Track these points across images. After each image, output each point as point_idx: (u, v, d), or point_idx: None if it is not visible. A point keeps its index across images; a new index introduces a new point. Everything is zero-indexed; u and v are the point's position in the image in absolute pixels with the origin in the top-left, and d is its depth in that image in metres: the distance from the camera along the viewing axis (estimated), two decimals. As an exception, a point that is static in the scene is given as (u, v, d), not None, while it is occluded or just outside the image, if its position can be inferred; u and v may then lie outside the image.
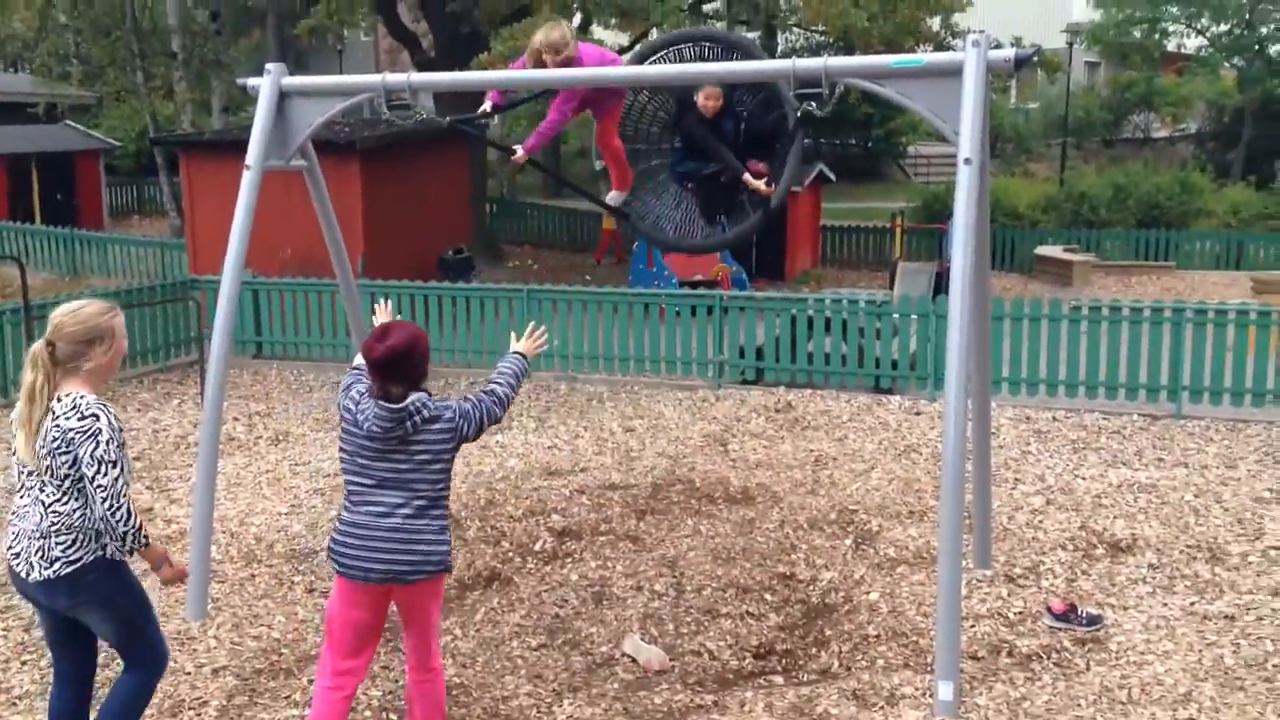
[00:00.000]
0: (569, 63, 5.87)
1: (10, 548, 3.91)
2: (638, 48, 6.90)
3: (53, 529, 3.80)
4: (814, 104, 5.36)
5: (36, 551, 3.82)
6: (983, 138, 5.16)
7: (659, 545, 7.01)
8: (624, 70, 6.16)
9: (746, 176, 6.19)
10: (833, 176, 24.22)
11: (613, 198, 6.71)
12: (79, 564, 3.81)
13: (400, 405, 4.16)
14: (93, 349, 3.87)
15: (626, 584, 6.42)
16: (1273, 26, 36.30)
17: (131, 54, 25.08)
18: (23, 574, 3.87)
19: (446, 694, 5.02)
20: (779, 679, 5.38)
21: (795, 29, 28.69)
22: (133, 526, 3.77)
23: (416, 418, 4.18)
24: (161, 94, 26.79)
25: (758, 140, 6.40)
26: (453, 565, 4.45)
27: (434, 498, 4.22)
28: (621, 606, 6.13)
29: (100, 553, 3.84)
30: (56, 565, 3.80)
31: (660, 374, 12.06)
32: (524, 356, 4.89)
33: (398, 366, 4.16)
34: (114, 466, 3.74)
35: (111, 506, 3.73)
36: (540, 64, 5.94)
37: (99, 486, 3.72)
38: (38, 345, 3.89)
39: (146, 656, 4.04)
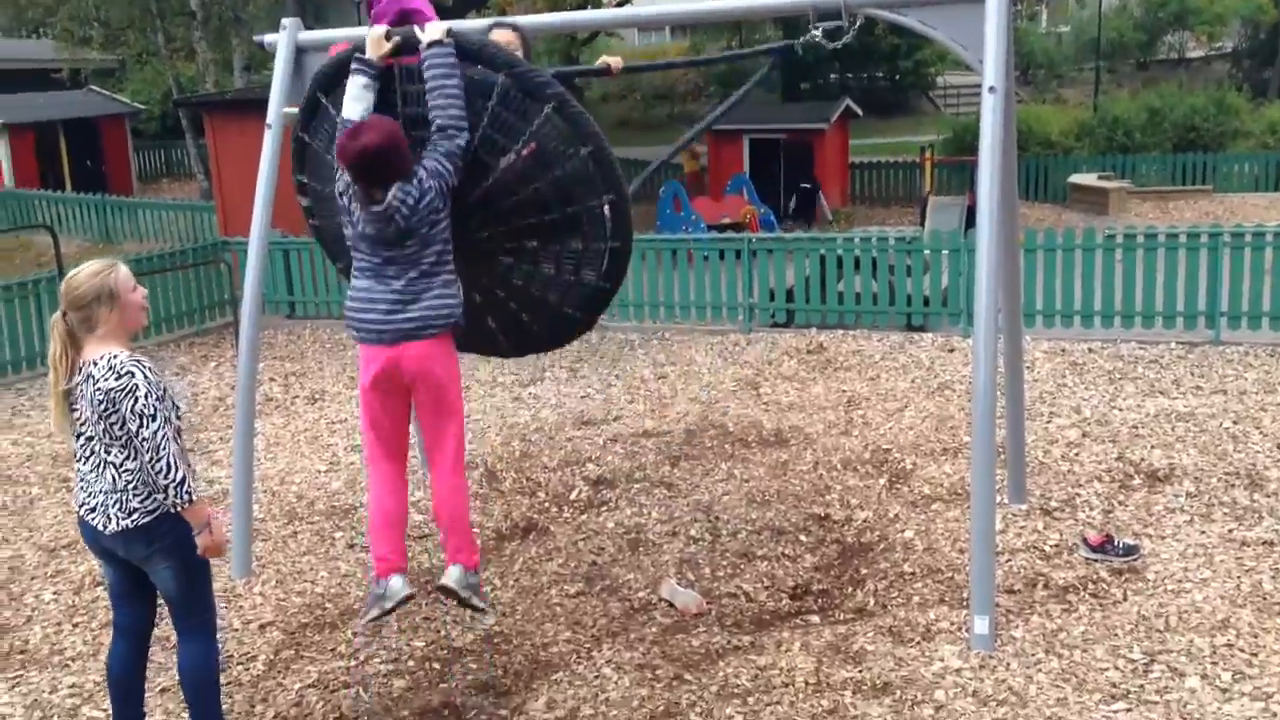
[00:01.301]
0: None
1: (84, 504, 4.01)
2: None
3: (129, 485, 3.90)
4: (818, 33, 5.28)
5: (115, 504, 3.91)
6: (1007, 64, 5.08)
7: (693, 491, 7.06)
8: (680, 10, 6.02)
9: None
10: (860, 112, 23.90)
11: None
12: (155, 514, 3.90)
13: (383, 206, 4.25)
14: (99, 310, 3.91)
15: (662, 530, 6.48)
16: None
17: (151, 15, 25.07)
18: (99, 526, 3.96)
19: (488, 642, 5.12)
20: (815, 618, 5.43)
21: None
22: (174, 480, 3.83)
23: (403, 210, 4.26)
24: (183, 55, 26.81)
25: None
26: (462, 319, 4.51)
27: (436, 260, 4.38)
28: (658, 552, 6.19)
29: (170, 507, 3.93)
30: (135, 516, 3.90)
31: (691, 320, 12.04)
32: (440, 43, 4.50)
33: (378, 167, 4.21)
34: (153, 420, 3.81)
35: (153, 459, 3.80)
36: None
37: (142, 440, 3.81)
38: (55, 315, 3.98)
39: (202, 614, 4.12)
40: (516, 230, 4.81)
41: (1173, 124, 26.11)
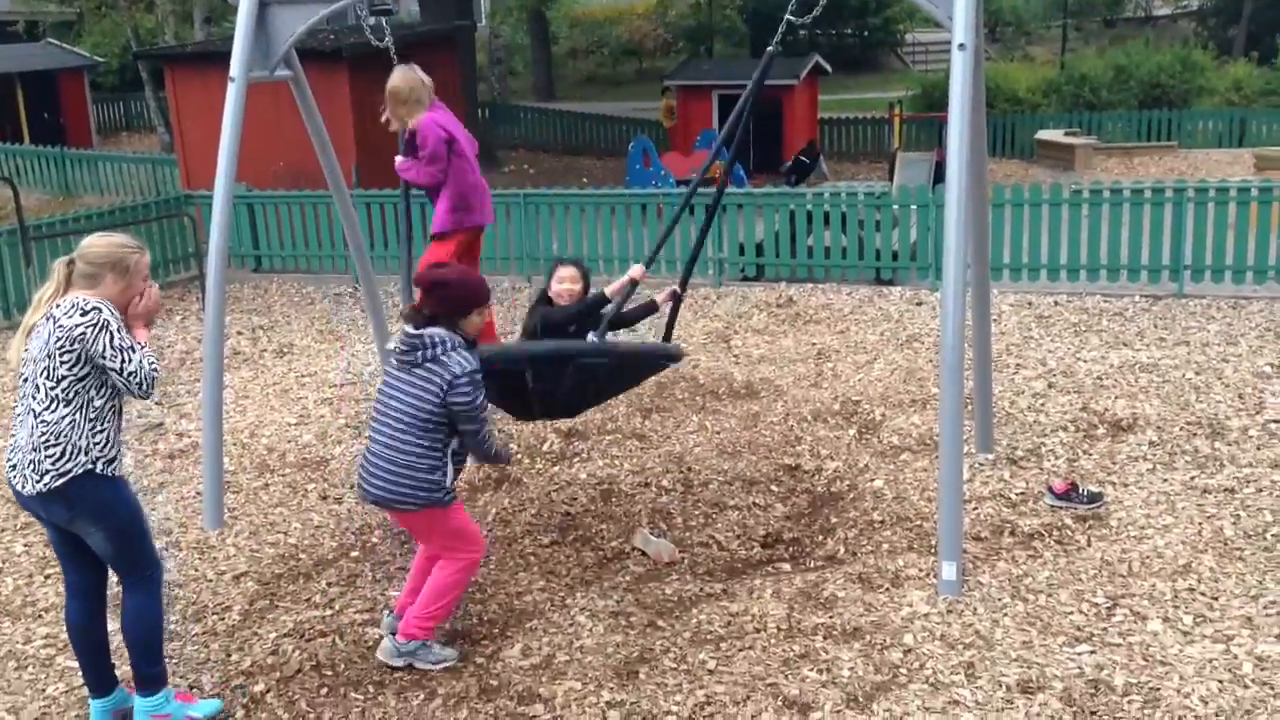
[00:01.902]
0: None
1: (8, 459, 3.97)
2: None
3: (42, 440, 3.83)
4: (797, 16, 5.28)
5: (29, 464, 3.86)
6: (976, 22, 5.08)
7: (665, 442, 7.10)
8: None
9: (611, 288, 5.52)
10: (829, 68, 23.85)
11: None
12: (68, 476, 3.84)
13: (418, 332, 4.31)
14: (106, 274, 3.92)
15: (634, 481, 6.52)
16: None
17: (109, -34, 24.56)
18: (19, 487, 3.93)
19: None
20: (786, 566, 5.50)
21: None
22: (157, 376, 3.96)
23: (427, 351, 4.30)
24: (142, 7, 26.28)
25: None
26: (447, 500, 4.46)
27: (422, 434, 4.35)
28: (630, 503, 6.23)
29: (90, 466, 3.87)
30: (47, 478, 3.84)
31: (661, 274, 12.02)
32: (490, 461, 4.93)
33: (434, 294, 4.36)
34: (133, 350, 3.84)
35: (146, 385, 3.88)
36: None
37: (130, 374, 3.83)
38: (60, 259, 3.97)
39: (142, 570, 4.08)
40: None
41: (1139, 81, 26.26)
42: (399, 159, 6.24)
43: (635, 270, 5.63)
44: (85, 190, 20.39)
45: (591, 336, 5.33)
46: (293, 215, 13.10)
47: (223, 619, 5.07)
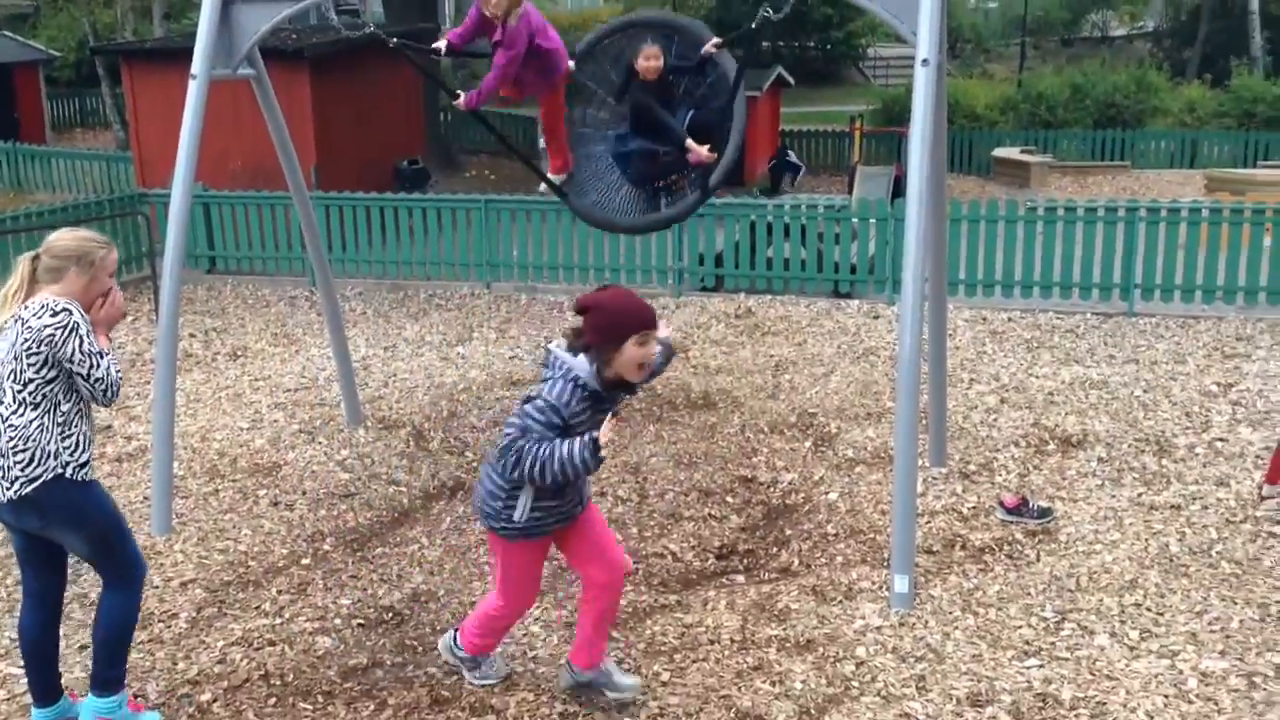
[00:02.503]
0: (512, 17, 5.73)
1: None
2: (586, 37, 6.71)
3: (10, 446, 3.75)
4: (771, 10, 5.32)
5: None
6: (941, 38, 5.14)
7: (622, 452, 7.09)
8: None
9: (690, 142, 6.08)
10: (791, 80, 24.00)
11: (553, 178, 6.50)
12: (38, 482, 3.77)
13: (554, 352, 3.94)
14: (71, 269, 3.85)
15: (590, 490, 6.49)
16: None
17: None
18: None
19: (417, 601, 5.11)
20: (741, 578, 5.51)
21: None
22: (119, 383, 3.88)
23: (547, 372, 3.95)
24: (100, 1, 25.94)
25: (700, 128, 6.24)
26: (508, 535, 4.09)
27: (498, 457, 3.96)
28: (585, 512, 6.21)
29: (60, 470, 3.79)
30: (17, 485, 3.76)
31: (621, 283, 12.05)
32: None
33: (584, 317, 3.91)
34: (101, 356, 3.79)
35: (112, 392, 3.83)
36: (484, 17, 5.76)
37: (96, 380, 3.78)
38: (25, 255, 3.90)
39: (124, 571, 4.03)
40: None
41: (1094, 101, 26.69)
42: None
43: (706, 153, 6.08)
44: (37, 187, 20.07)
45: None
46: (249, 216, 12.97)
47: (169, 627, 4.99)
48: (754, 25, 5.63)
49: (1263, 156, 22.88)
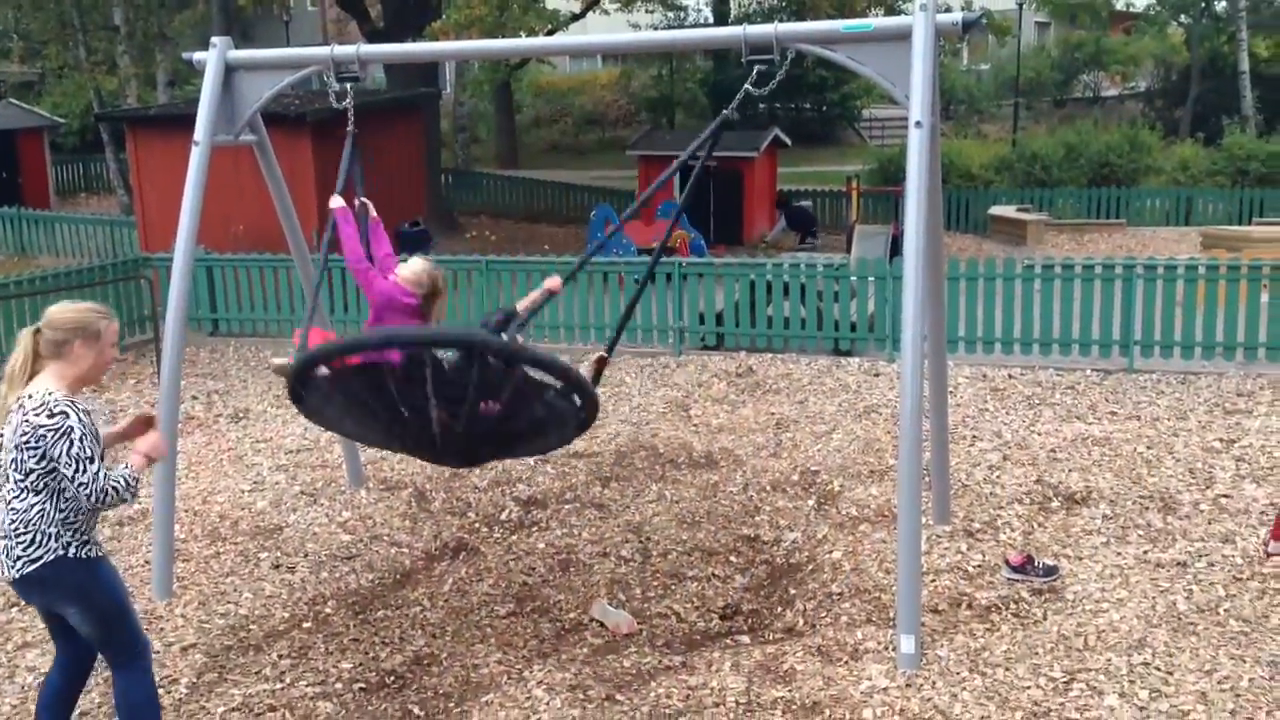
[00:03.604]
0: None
1: None
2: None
3: (12, 527, 3.82)
4: (753, 87, 5.33)
5: (3, 550, 3.85)
6: (933, 101, 5.22)
7: (624, 511, 7.07)
8: (612, 40, 6.16)
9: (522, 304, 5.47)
10: (788, 141, 24.26)
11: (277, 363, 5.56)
12: (39, 562, 3.82)
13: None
14: (75, 342, 3.87)
15: (593, 550, 6.48)
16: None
17: (72, 28, 24.60)
18: (0, 572, 3.91)
19: (419, 664, 5.07)
20: (745, 638, 5.47)
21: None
22: (119, 495, 3.81)
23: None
24: (104, 69, 26.31)
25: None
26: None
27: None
28: (588, 573, 6.19)
29: (62, 551, 3.83)
30: (20, 564, 3.83)
31: (621, 342, 12.07)
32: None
33: None
34: (91, 463, 3.77)
35: (97, 499, 3.77)
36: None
37: (81, 485, 3.76)
38: (26, 329, 3.92)
39: (125, 650, 4.03)
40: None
41: (1088, 160, 26.96)
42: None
43: (551, 281, 5.45)
44: (41, 251, 20.20)
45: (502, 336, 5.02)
46: (251, 278, 13.04)
47: (169, 692, 4.94)
48: (730, 109, 5.58)
49: (1257, 214, 23.05)
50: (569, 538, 6.67)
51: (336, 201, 5.61)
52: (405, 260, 5.48)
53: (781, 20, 6.11)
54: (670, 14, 34.08)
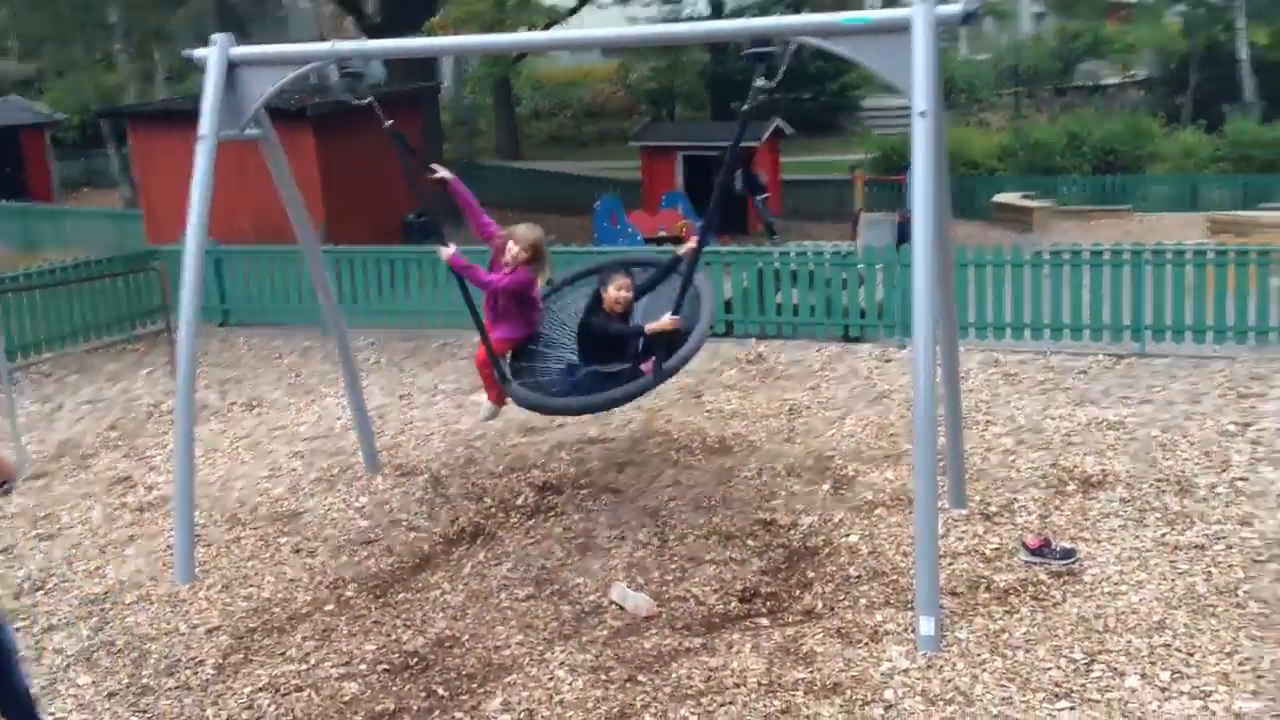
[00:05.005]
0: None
1: None
2: (561, 276, 7.07)
3: None
4: (763, 79, 5.37)
5: None
6: (936, 90, 5.19)
7: (640, 496, 7.09)
8: (614, 34, 6.14)
9: (650, 326, 6.02)
10: (790, 130, 24.22)
11: (486, 409, 6.84)
12: None
13: None
14: None
15: (610, 534, 6.50)
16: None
17: (70, 27, 24.58)
18: None
19: (441, 646, 5.07)
20: (765, 620, 5.48)
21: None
22: None
23: None
24: (103, 66, 26.29)
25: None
26: None
27: None
28: (607, 556, 6.21)
29: None
30: None
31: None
32: None
33: None
34: None
35: None
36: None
37: None
38: None
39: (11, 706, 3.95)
40: None
41: (1091, 147, 26.94)
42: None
43: (668, 320, 5.92)
44: (47, 245, 20.21)
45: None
46: (260, 269, 13.04)
47: (196, 673, 4.97)
48: (746, 106, 5.61)
49: (1262, 199, 23.03)
50: (586, 522, 6.69)
51: (447, 254, 6.34)
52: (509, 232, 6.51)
53: (780, 13, 6.11)
54: (666, 6, 34.02)
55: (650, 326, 5.99)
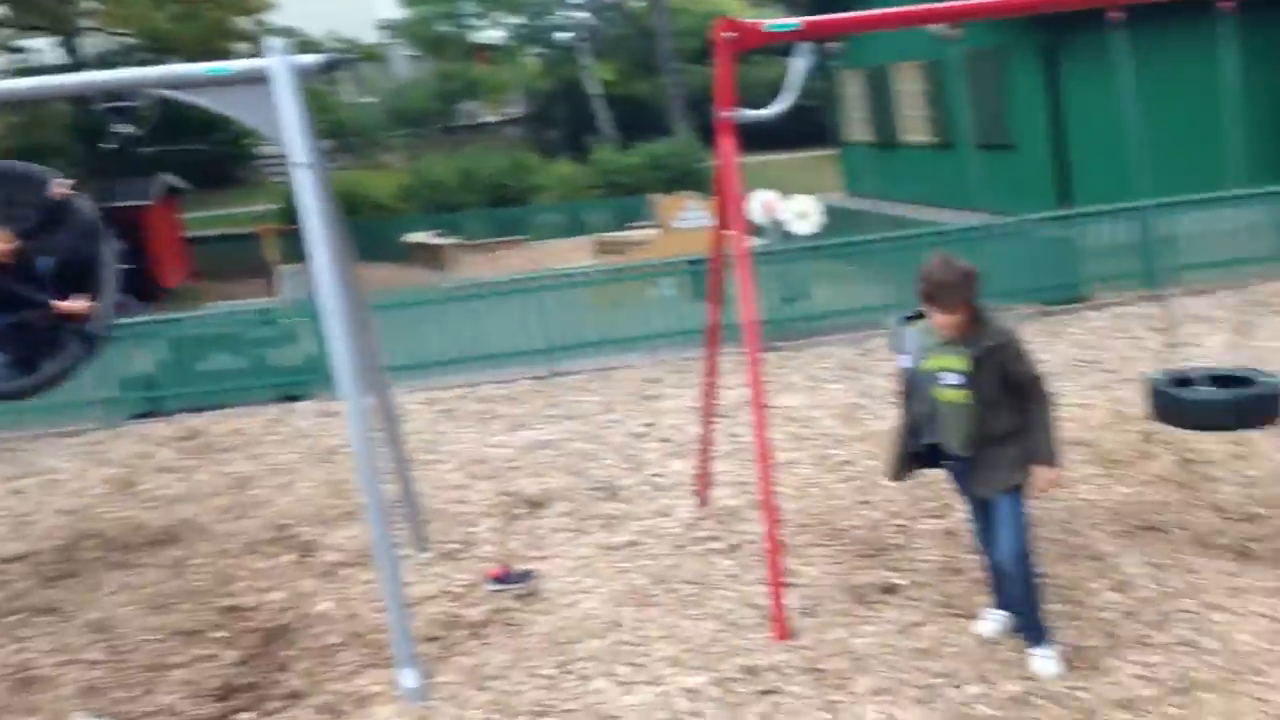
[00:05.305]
0: None
1: None
2: None
3: None
4: (131, 126, 5.24)
5: None
6: (312, 140, 5.22)
7: (82, 610, 6.45)
8: None
9: (56, 304, 5.90)
10: (183, 184, 23.11)
11: None
12: None
13: None
14: None
15: (55, 660, 5.84)
16: (558, 19, 40.79)
17: None
18: None
19: None
20: (247, 715, 5.25)
21: (100, 33, 26.77)
22: None
23: None
24: None
25: (76, 274, 6.08)
26: None
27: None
28: (55, 686, 5.58)
29: None
30: None
31: (41, 424, 10.84)
32: None
33: None
34: None
35: None
36: None
37: None
38: None
39: None
40: None
41: (483, 183, 28.78)
42: None
43: (83, 304, 6.01)
44: None
45: None
46: None
47: None
48: (115, 144, 5.47)
49: (631, 219, 25.99)
50: (23, 652, 5.94)
51: None
52: None
53: (144, 62, 5.91)
54: (16, 56, 30.83)
55: (60, 307, 5.92)
